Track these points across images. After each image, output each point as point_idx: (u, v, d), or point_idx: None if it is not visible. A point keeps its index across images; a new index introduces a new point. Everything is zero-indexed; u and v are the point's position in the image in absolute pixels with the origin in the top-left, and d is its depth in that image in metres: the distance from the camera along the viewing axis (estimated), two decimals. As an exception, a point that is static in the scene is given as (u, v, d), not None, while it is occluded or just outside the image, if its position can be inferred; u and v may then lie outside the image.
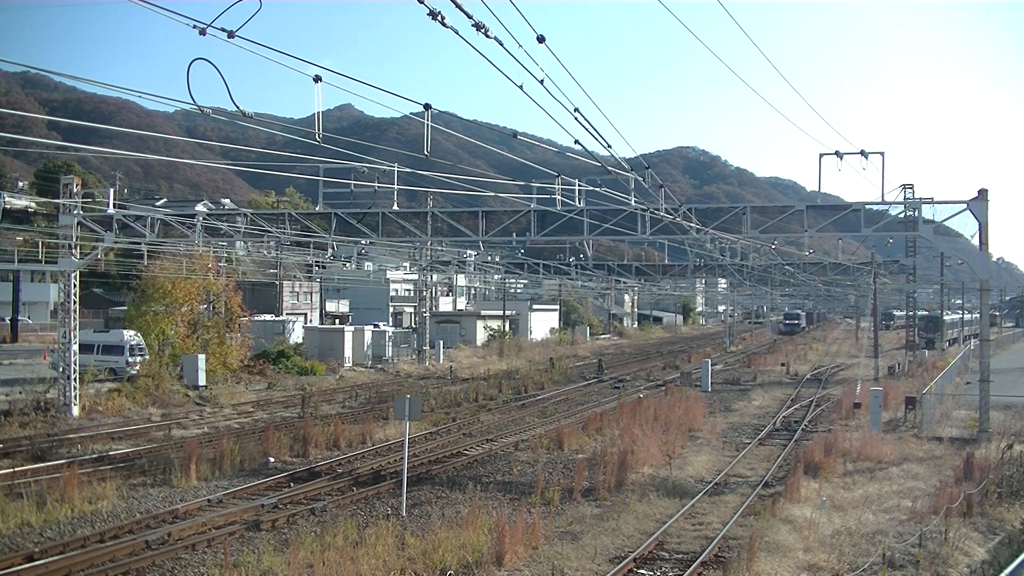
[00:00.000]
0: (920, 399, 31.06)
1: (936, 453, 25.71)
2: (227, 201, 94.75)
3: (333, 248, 54.92)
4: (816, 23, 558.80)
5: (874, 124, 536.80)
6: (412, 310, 72.25)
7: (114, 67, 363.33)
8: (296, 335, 56.13)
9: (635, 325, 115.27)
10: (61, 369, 31.32)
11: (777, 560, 15.17)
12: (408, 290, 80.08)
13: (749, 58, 25.55)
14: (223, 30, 10.12)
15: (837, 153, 26.45)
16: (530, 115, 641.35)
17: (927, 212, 29.39)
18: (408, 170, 27.45)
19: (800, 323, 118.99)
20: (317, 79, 12.98)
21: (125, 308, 51.01)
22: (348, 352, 52.52)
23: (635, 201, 26.90)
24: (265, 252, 51.72)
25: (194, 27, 10.28)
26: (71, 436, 26.91)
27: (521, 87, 11.38)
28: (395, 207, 31.07)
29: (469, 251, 64.10)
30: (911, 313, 57.63)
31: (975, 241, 28.20)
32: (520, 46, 10.17)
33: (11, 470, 20.95)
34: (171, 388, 36.40)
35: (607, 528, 17.58)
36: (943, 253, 49.19)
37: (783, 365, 58.50)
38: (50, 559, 14.87)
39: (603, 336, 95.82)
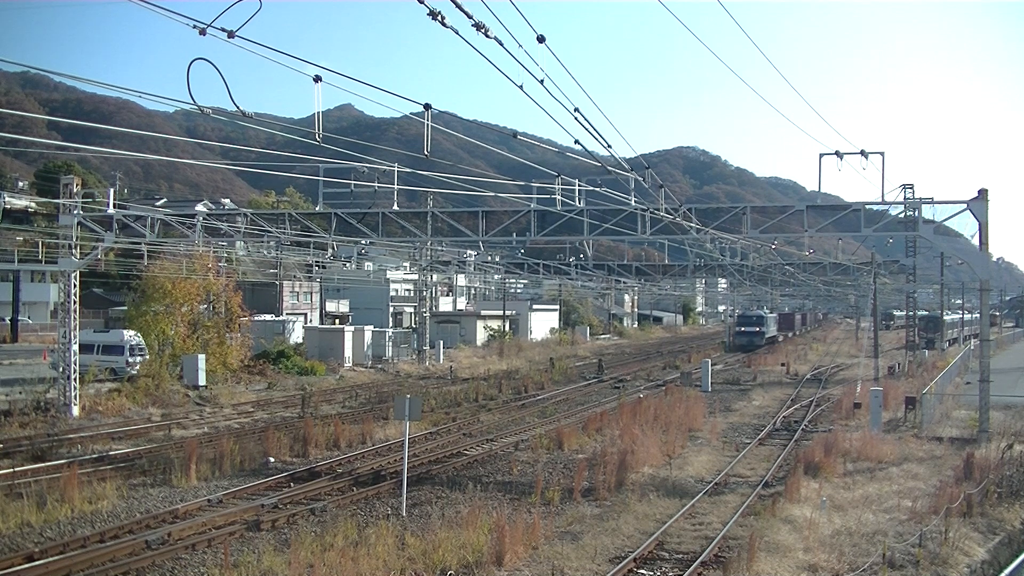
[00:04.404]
0: (920, 399, 31.06)
1: (936, 453, 25.70)
2: (227, 201, 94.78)
3: (333, 248, 54.84)
4: (817, 23, 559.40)
5: (874, 124, 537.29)
6: (412, 310, 72.23)
7: (114, 67, 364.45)
8: (296, 335, 56.11)
9: (635, 325, 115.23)
10: (61, 369, 31.30)
11: (777, 560, 15.17)
12: (408, 290, 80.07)
13: (749, 58, 25.59)
14: (223, 30, 10.13)
15: (837, 153, 26.45)
16: (530, 115, 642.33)
17: (927, 212, 29.44)
18: (408, 170, 27.42)
19: (764, 330, 79.43)
20: (317, 79, 12.98)
21: (125, 308, 51.01)
22: (348, 352, 52.54)
23: (635, 201, 26.91)
24: (265, 252, 51.60)
25: (194, 27, 10.29)
26: (71, 436, 26.90)
27: (521, 87, 11.39)
28: (395, 207, 31.07)
29: (469, 251, 64.09)
30: (911, 313, 57.59)
31: (975, 241, 28.20)
32: (520, 46, 10.17)
33: (11, 470, 20.96)
34: (171, 388, 36.40)
35: (607, 528, 17.59)
36: (943, 253, 49.24)
37: (783, 365, 58.49)
38: (50, 559, 14.87)
39: (603, 336, 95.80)
